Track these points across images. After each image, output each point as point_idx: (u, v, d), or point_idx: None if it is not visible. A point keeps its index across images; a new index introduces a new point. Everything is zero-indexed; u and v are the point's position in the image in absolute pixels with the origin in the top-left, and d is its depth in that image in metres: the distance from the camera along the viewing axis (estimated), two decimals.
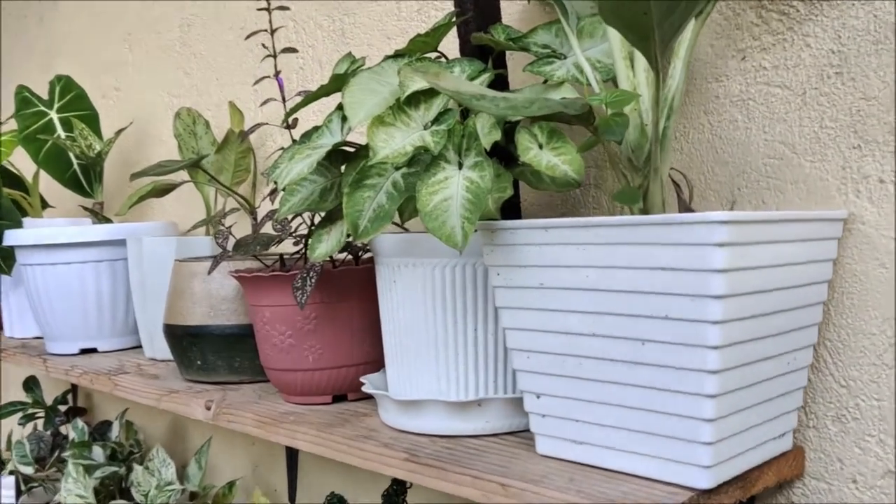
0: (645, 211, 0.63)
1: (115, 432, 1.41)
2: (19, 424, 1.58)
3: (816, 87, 0.68)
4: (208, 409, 0.92)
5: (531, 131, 0.68)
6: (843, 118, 0.66)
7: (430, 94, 0.66)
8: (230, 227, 0.91)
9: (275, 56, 0.93)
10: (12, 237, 1.27)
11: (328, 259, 0.86)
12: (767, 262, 0.56)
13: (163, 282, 1.14)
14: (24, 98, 1.47)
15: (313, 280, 0.79)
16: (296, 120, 0.96)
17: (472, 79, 0.69)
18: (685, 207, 0.64)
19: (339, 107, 0.77)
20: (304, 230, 0.90)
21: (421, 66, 0.47)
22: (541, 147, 0.67)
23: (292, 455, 1.22)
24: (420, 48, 0.72)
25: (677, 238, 0.54)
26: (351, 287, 0.85)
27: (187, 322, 0.99)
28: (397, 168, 0.68)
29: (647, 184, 0.63)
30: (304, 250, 0.91)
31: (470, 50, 0.78)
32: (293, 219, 0.86)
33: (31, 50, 1.96)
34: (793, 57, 0.69)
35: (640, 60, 0.63)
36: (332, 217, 0.77)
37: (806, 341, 0.64)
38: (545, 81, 0.72)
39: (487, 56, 0.77)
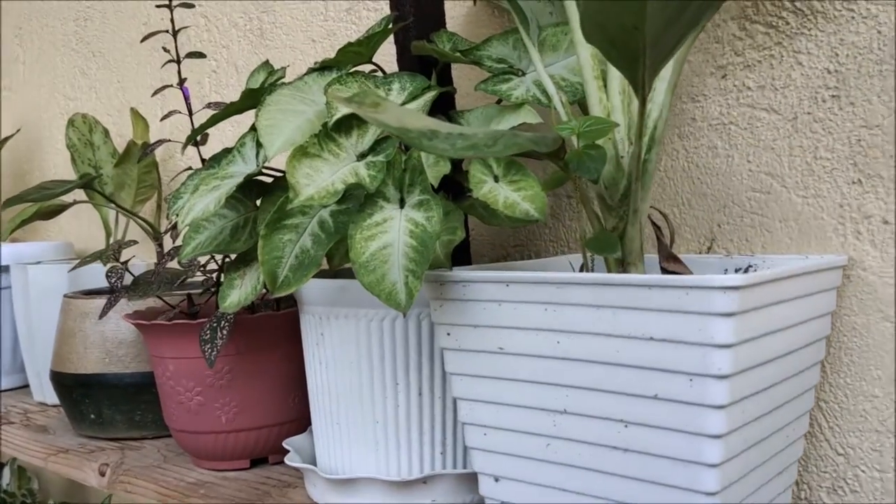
0: (622, 259, 0.53)
1: (6, 479, 1.24)
2: None
3: (809, 111, 0.59)
4: (102, 475, 0.79)
5: (485, 162, 0.57)
6: (841, 148, 0.58)
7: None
8: (127, 261, 0.78)
9: (178, 61, 0.80)
10: None
11: None
12: (772, 326, 0.47)
13: (53, 316, 0.99)
14: None
15: (225, 332, 0.67)
16: (206, 136, 0.83)
17: (413, 97, 0.57)
18: (667, 253, 0.55)
19: (254, 128, 0.65)
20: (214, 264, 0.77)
21: (356, 95, 0.36)
22: (496, 180, 0.57)
23: None
24: (351, 59, 0.61)
25: (673, 304, 0.44)
26: (271, 335, 0.73)
27: (78, 370, 0.85)
28: (324, 205, 0.57)
29: (623, 226, 0.53)
30: (214, 290, 0.79)
31: (409, 61, 0.67)
32: (167, 258, 0.74)
33: None
34: (781, 76, 0.60)
35: (615, 81, 0.53)
36: (246, 258, 0.64)
37: (803, 408, 0.55)
38: (499, 101, 0.62)
39: (430, 69, 0.66)
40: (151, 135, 1.14)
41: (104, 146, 1.13)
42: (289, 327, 0.74)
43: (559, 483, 0.51)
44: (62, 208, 0.99)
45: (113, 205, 0.89)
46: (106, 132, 1.14)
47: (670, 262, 0.55)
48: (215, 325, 0.68)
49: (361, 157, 0.54)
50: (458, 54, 0.60)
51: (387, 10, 0.86)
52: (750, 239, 0.62)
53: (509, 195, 0.56)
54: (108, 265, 0.77)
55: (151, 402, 0.85)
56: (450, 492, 0.61)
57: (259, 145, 0.62)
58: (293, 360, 0.75)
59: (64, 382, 0.87)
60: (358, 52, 0.61)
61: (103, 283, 1.00)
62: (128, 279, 0.78)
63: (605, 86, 0.54)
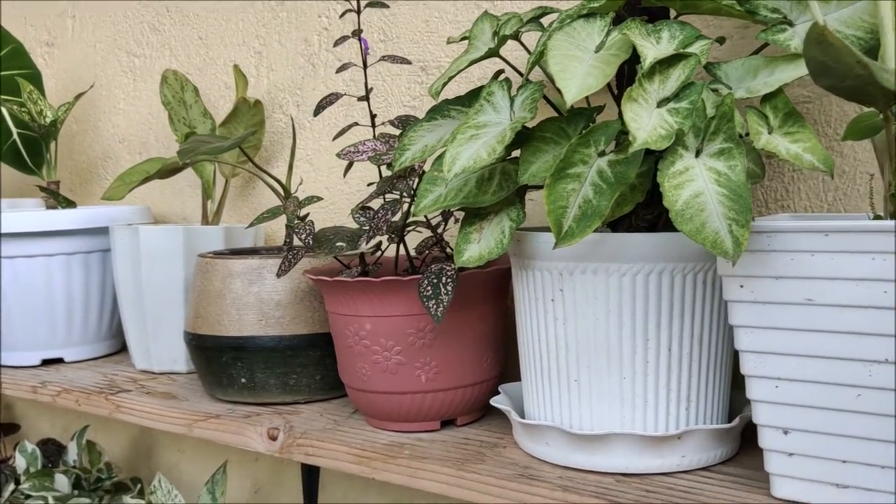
0: None
1: (73, 454, 1.19)
2: None
3: None
4: (273, 438, 0.76)
5: (761, 112, 0.57)
6: None
7: (667, 63, 0.53)
8: (306, 216, 0.75)
9: (359, 11, 0.77)
10: None
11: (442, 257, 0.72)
12: None
13: (164, 280, 0.95)
14: None
15: (450, 287, 0.65)
16: (371, 89, 0.80)
17: (685, 46, 0.56)
18: None
19: (496, 76, 0.63)
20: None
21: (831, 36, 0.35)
22: (770, 131, 0.57)
23: (311, 476, 1.06)
24: (612, 7, 0.59)
25: None
26: (473, 294, 0.71)
27: (229, 332, 0.82)
28: (601, 154, 0.56)
29: None
30: (380, 247, 0.76)
31: (634, 11, 0.65)
32: (391, 209, 0.71)
33: None
34: None
35: None
36: (481, 212, 0.62)
37: None
38: (757, 51, 0.61)
39: (656, 18, 0.65)
40: (249, 92, 1.09)
41: (195, 105, 1.09)
42: (490, 286, 0.72)
43: (868, 433, 0.51)
44: (180, 168, 0.95)
45: (255, 167, 0.85)
46: (196, 90, 1.09)
47: None
48: (435, 280, 0.65)
49: (662, 103, 0.53)
50: (729, 6, 0.59)
51: None
52: None
53: (790, 147, 0.56)
54: (294, 221, 0.73)
55: (307, 366, 0.82)
56: (699, 447, 0.61)
57: (508, 90, 0.60)
58: (487, 320, 0.73)
59: (207, 345, 0.83)
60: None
61: (219, 248, 0.96)
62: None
63: None
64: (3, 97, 1.19)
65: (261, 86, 1.11)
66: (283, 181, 0.91)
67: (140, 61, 1.26)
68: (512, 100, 0.60)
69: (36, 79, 1.22)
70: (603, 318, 0.61)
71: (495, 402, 0.69)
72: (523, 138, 0.60)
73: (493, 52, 0.61)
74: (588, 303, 0.61)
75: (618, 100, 0.66)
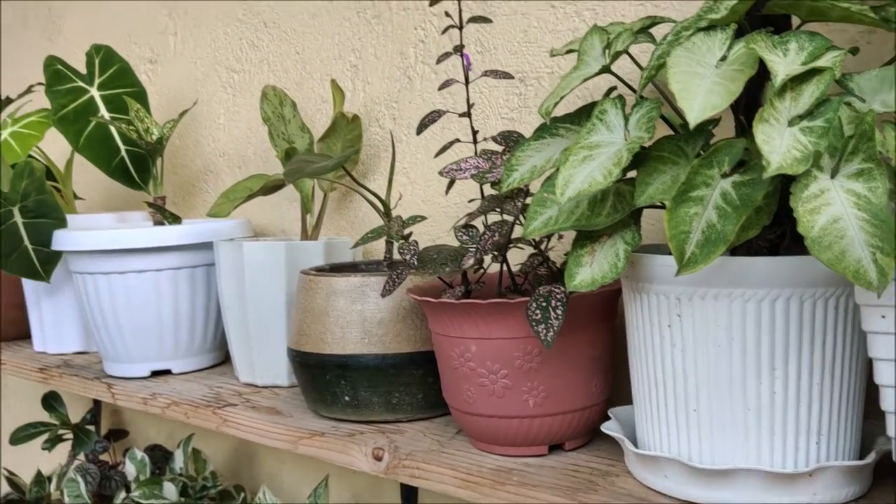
0: None
1: (179, 462, 1.22)
2: (43, 449, 1.37)
3: None
4: (379, 459, 0.75)
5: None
6: None
7: (798, 80, 0.50)
8: (409, 235, 0.74)
9: (461, 27, 0.75)
10: (69, 240, 1.07)
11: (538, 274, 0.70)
12: None
13: (267, 294, 0.96)
14: (57, 71, 1.25)
15: (559, 311, 0.63)
16: (472, 105, 0.79)
17: (815, 58, 0.53)
18: None
19: (608, 93, 0.61)
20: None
21: None
22: None
23: (411, 493, 1.06)
24: (732, 18, 0.56)
25: None
26: (582, 317, 0.69)
27: (333, 350, 0.82)
28: (724, 175, 0.52)
29: None
30: (482, 265, 0.74)
31: (754, 21, 0.62)
32: (498, 231, 0.69)
33: (26, 16, 1.71)
34: None
35: None
36: (595, 234, 0.60)
37: None
38: (890, 61, 0.57)
39: (778, 28, 0.62)
40: (345, 106, 1.10)
41: (294, 120, 1.09)
42: (599, 308, 0.70)
43: None
44: (282, 185, 0.96)
45: (360, 187, 0.85)
46: (294, 105, 1.10)
47: None
48: (544, 303, 0.64)
49: (793, 121, 0.50)
50: (862, 10, 0.55)
51: None
52: None
53: None
54: (398, 241, 0.73)
55: (409, 385, 0.81)
56: (831, 484, 0.57)
57: (622, 108, 0.58)
58: (596, 343, 0.71)
59: (311, 363, 0.83)
60: (737, 10, 0.56)
61: (318, 264, 0.97)
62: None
63: None
64: (111, 115, 1.23)
65: (357, 99, 1.11)
66: (382, 195, 0.90)
67: (239, 77, 1.28)
68: (626, 118, 0.57)
69: (141, 97, 1.26)
70: (725, 345, 0.57)
71: (607, 428, 0.67)
72: (638, 158, 0.57)
73: (605, 69, 0.59)
74: (708, 329, 0.58)
75: (735, 111, 0.62)
